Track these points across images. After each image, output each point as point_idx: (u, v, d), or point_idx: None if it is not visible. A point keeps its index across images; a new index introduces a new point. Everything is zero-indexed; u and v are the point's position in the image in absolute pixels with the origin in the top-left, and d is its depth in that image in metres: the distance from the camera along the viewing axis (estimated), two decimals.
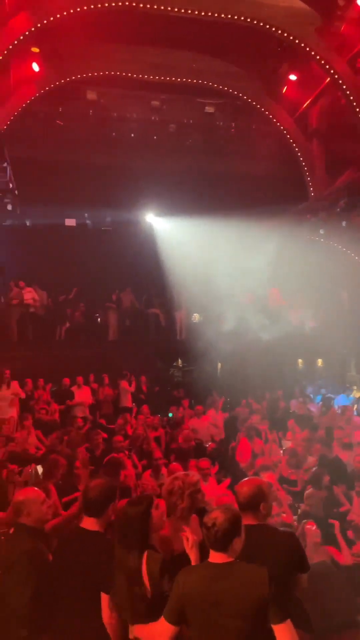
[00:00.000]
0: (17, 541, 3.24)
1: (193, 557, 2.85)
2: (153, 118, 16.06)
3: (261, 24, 11.82)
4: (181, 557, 2.95)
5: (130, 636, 2.77)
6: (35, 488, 3.61)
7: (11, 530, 3.46)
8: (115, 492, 3.19)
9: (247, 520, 2.86)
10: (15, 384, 10.59)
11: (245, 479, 3.34)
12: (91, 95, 15.24)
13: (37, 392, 11.29)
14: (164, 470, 6.69)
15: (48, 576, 3.12)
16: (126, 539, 2.86)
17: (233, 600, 2.43)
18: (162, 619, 2.57)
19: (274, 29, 11.92)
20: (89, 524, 3.13)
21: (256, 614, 2.44)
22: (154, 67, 14.18)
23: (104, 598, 2.88)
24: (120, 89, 15.43)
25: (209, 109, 16.24)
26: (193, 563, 2.81)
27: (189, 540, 2.91)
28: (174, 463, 6.88)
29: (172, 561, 2.94)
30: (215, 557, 2.58)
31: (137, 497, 3.08)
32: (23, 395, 10.73)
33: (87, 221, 17.92)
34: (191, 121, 16.45)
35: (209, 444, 9.52)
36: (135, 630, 2.73)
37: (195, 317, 17.22)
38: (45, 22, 10.93)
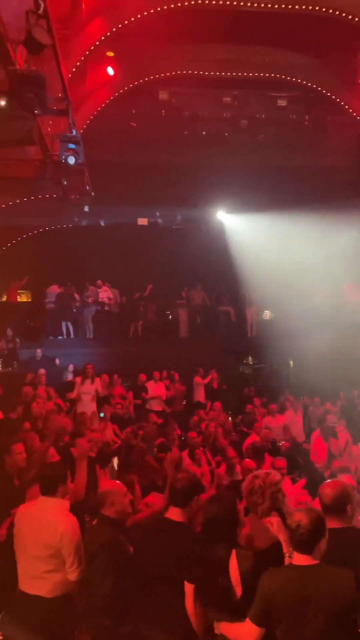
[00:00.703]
0: (99, 533, 3.37)
1: (282, 537, 2.80)
2: (224, 115, 16.00)
3: (336, 12, 11.46)
4: (264, 555, 2.95)
5: (216, 631, 2.80)
6: (118, 481, 3.75)
7: (94, 522, 3.62)
8: (201, 486, 3.25)
9: (333, 523, 2.81)
10: (98, 380, 10.93)
11: (328, 480, 3.30)
12: (163, 96, 15.43)
13: (113, 387, 11.62)
14: (238, 468, 6.68)
15: (129, 567, 3.23)
16: (212, 535, 2.90)
17: (320, 603, 2.41)
18: (247, 621, 2.57)
19: (350, 16, 11.52)
20: (174, 514, 3.20)
21: (343, 617, 2.41)
22: (224, 63, 14.12)
23: (188, 587, 2.92)
24: (191, 87, 15.50)
25: (281, 103, 15.97)
26: (284, 545, 2.78)
27: (273, 525, 2.88)
28: (248, 460, 6.84)
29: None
30: (299, 559, 2.56)
31: (219, 494, 3.11)
32: (104, 392, 11.06)
33: (159, 220, 18.18)
34: (263, 116, 16.23)
35: (282, 443, 9.39)
36: (222, 627, 2.77)
37: (266, 314, 17.06)
38: (120, 26, 11.19)
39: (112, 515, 3.40)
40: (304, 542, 2.53)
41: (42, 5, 5.19)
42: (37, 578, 3.32)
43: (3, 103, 7.61)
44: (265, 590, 2.53)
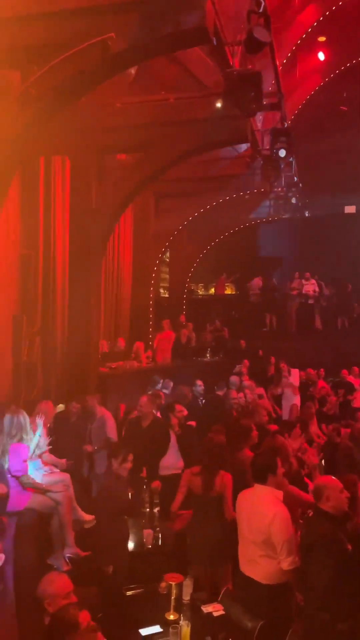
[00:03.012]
0: (317, 525, 3.37)
1: None
2: None
3: None
4: None
5: None
6: (334, 477, 3.68)
7: (310, 514, 3.62)
8: None
9: None
10: (295, 372, 10.86)
11: None
12: None
13: (319, 382, 11.39)
14: None
15: (347, 564, 3.15)
16: None
17: None
18: None
19: None
20: None
21: None
22: None
23: None
24: None
25: None
26: None
27: None
28: None
29: None
30: None
31: None
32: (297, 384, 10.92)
33: None
34: None
35: None
36: None
37: None
38: (333, 8, 10.77)
39: (329, 510, 3.37)
40: None
41: (263, 3, 5.26)
42: (252, 562, 3.47)
43: (219, 105, 7.99)
44: None
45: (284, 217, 16.45)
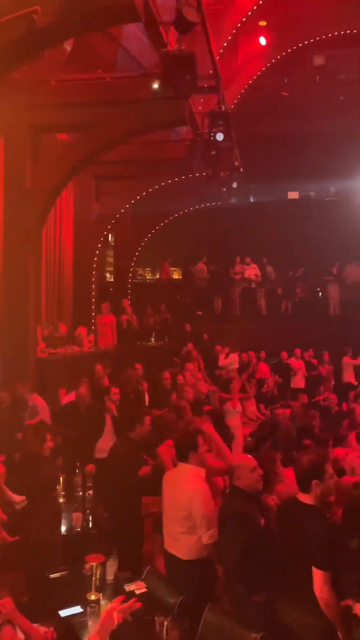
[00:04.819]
0: (231, 501, 3.49)
1: None
2: None
3: None
4: None
5: (355, 612, 2.73)
6: (249, 455, 3.78)
7: (227, 491, 3.73)
8: (322, 470, 3.11)
9: None
10: (233, 355, 11.02)
11: None
12: (318, 61, 14.66)
13: (259, 364, 11.65)
14: None
15: (261, 539, 3.26)
16: (350, 521, 2.80)
17: None
18: None
19: None
20: (303, 497, 3.15)
21: None
22: None
23: (317, 573, 2.89)
24: (348, 48, 14.46)
25: None
26: None
27: None
28: None
29: None
30: None
31: None
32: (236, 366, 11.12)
33: (311, 193, 17.47)
34: None
35: None
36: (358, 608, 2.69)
37: None
38: None
39: (242, 487, 3.47)
40: None
41: None
42: (174, 539, 3.54)
43: (156, 86, 7.90)
44: None
45: (229, 202, 16.59)
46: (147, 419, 4.79)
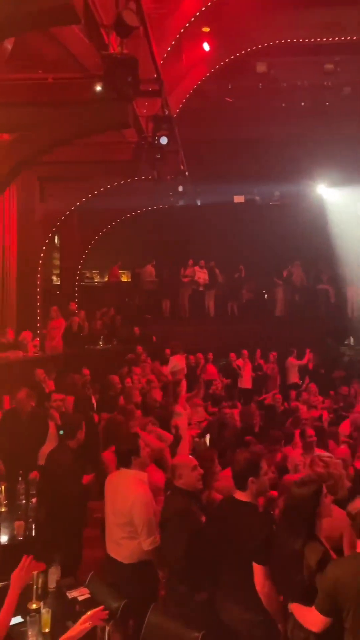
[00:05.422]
0: (172, 501, 3.53)
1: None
2: (325, 83, 15.14)
3: None
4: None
5: (289, 610, 2.80)
6: (190, 456, 3.83)
7: (168, 492, 3.76)
8: (257, 467, 3.18)
9: None
10: (178, 357, 11.04)
11: None
12: (261, 68, 14.92)
13: (207, 366, 11.77)
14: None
15: (201, 537, 3.31)
16: (290, 520, 2.86)
17: None
18: (313, 609, 2.56)
19: None
20: (240, 495, 3.21)
21: None
22: (325, 28, 13.28)
23: (257, 568, 2.95)
24: (290, 57, 14.85)
25: None
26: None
27: None
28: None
29: None
30: None
31: (304, 478, 3.03)
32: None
33: (256, 197, 17.85)
34: None
35: None
36: (293, 608, 2.76)
37: None
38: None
39: (183, 486, 3.51)
40: None
41: None
42: (116, 544, 3.53)
43: (99, 88, 7.85)
44: (330, 581, 2.48)
45: (176, 205, 16.68)
46: (84, 425, 4.74)
